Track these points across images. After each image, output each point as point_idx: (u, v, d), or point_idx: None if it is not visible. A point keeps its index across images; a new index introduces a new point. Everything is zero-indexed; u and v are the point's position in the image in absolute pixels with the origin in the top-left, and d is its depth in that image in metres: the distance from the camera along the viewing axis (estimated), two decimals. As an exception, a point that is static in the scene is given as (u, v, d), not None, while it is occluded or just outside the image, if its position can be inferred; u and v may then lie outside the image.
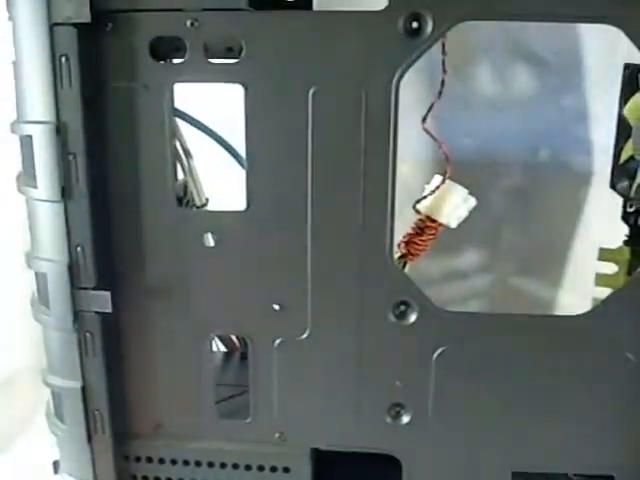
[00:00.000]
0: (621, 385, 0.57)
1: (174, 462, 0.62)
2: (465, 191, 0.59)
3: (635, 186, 0.66)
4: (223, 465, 0.62)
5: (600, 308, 0.55)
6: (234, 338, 0.77)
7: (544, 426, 0.58)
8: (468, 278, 0.84)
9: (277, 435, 0.60)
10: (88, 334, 0.57)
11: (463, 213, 0.59)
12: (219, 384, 0.70)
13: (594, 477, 0.61)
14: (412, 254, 0.60)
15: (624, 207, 0.71)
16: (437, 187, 0.58)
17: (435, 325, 0.56)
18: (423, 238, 0.59)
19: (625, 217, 0.71)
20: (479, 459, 0.60)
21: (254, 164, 0.54)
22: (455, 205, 0.59)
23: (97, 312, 0.56)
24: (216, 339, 0.80)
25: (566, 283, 0.85)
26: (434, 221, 0.59)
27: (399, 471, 0.61)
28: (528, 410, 0.58)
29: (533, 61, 0.80)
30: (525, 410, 0.58)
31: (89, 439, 0.60)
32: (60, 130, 0.51)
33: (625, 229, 0.71)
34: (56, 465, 0.65)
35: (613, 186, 0.70)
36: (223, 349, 0.79)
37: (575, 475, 0.61)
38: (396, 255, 0.59)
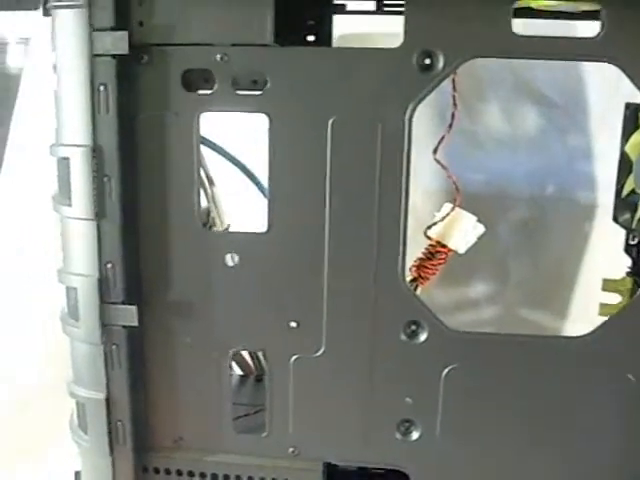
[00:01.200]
0: (623, 406, 0.59)
1: (191, 474, 0.64)
2: (474, 218, 0.62)
3: (637, 219, 0.69)
4: (239, 478, 0.64)
5: (601, 330, 0.58)
6: (249, 361, 0.80)
7: (548, 444, 0.61)
8: (478, 308, 0.86)
9: (291, 450, 0.63)
10: (114, 347, 0.60)
11: (472, 239, 0.62)
12: (235, 404, 0.72)
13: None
14: (423, 277, 0.63)
15: (626, 239, 0.74)
16: (447, 214, 0.62)
17: (444, 344, 0.59)
18: (433, 262, 0.63)
19: (627, 249, 0.74)
20: (487, 475, 0.62)
21: (276, 189, 0.57)
22: (464, 231, 0.62)
23: (124, 326, 0.59)
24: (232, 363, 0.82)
25: (572, 313, 0.87)
26: (444, 246, 0.62)
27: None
28: (533, 428, 0.60)
29: (540, 100, 0.84)
30: (530, 428, 0.60)
31: (111, 450, 0.63)
32: (96, 153, 0.55)
33: (628, 261, 0.73)
34: (77, 476, 0.67)
35: (616, 219, 0.73)
36: (239, 372, 0.82)
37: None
38: (408, 278, 0.62)
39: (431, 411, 0.60)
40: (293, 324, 0.60)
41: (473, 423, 0.61)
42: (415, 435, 0.61)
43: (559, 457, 0.61)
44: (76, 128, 0.55)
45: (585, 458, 0.61)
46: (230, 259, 0.60)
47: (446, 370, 0.59)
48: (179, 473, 0.65)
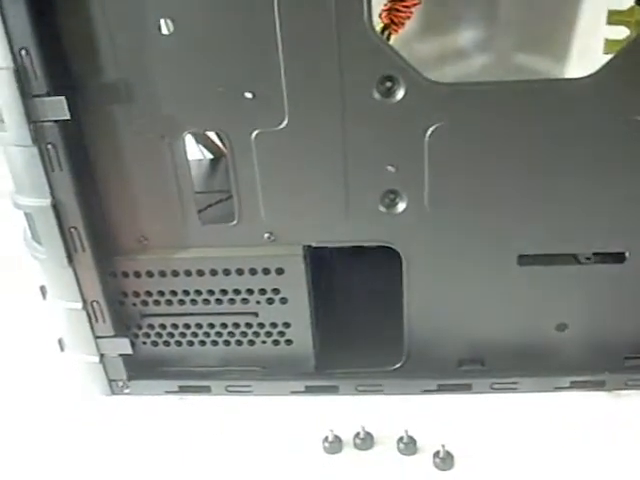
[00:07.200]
0: (633, 153, 0.52)
1: (163, 274, 0.59)
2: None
3: None
4: (214, 272, 0.59)
5: (607, 68, 0.49)
6: (219, 142, 0.72)
7: (550, 204, 0.54)
8: (466, 58, 0.77)
9: (266, 236, 0.57)
10: (50, 146, 0.52)
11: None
12: (208, 191, 0.66)
13: (604, 256, 0.57)
14: (395, 24, 0.53)
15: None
16: (419, -59, 0.51)
17: (425, 100, 0.50)
18: (406, 4, 0.53)
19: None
20: (481, 244, 0.56)
21: None
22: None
23: (56, 121, 0.51)
24: (201, 147, 0.75)
25: (573, 55, 0.78)
26: (417, -19, 0.52)
27: (397, 263, 0.58)
28: (532, 187, 0.54)
29: None
30: (528, 187, 0.54)
31: (70, 259, 0.57)
32: None
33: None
34: (43, 290, 0.62)
35: None
36: (209, 156, 0.75)
37: (585, 258, 0.58)
38: (378, 27, 0.53)
39: (416, 179, 0.53)
40: (248, 95, 0.51)
41: (464, 189, 0.54)
42: (401, 207, 0.55)
43: (563, 218, 0.55)
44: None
45: (593, 215, 0.55)
46: (165, 26, 0.50)
47: (430, 130, 0.51)
48: (149, 274, 0.60)
